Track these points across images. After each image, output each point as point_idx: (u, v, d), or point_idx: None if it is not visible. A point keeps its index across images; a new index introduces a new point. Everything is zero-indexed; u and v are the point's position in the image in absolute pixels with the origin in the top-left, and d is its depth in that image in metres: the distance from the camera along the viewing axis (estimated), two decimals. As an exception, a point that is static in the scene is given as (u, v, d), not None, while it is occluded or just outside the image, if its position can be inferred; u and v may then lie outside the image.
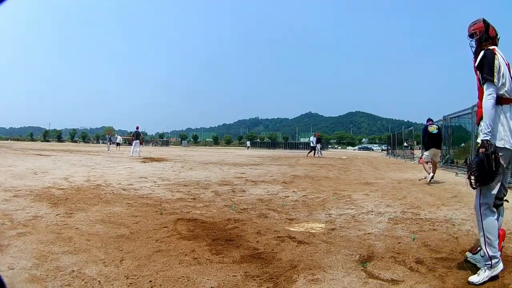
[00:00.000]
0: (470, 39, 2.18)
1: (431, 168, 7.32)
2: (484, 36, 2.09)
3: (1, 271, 1.86)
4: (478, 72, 2.05)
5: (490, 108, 1.93)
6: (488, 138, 1.92)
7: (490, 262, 1.90)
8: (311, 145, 21.95)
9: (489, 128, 1.92)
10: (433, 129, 7.46)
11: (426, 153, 7.57)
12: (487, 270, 1.90)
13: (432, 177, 7.10)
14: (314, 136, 22.11)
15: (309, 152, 21.74)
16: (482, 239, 1.96)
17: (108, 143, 26.19)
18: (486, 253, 1.92)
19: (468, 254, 2.26)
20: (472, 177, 1.92)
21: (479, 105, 2.06)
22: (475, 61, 2.11)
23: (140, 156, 15.43)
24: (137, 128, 16.58)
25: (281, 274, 1.99)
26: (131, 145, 18.20)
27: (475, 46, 2.16)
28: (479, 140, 1.98)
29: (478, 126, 2.06)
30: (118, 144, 27.90)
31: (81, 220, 3.15)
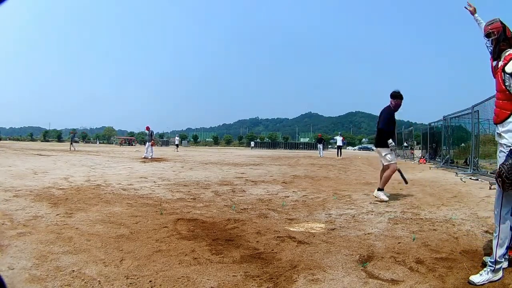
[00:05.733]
0: (487, 39, 2.19)
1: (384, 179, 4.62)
2: (502, 36, 2.10)
3: (1, 271, 1.86)
4: (503, 74, 2.04)
5: None
6: None
7: (494, 266, 1.88)
8: (338, 144, 20.97)
9: None
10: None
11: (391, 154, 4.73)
12: (490, 273, 1.88)
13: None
14: (339, 136, 21.56)
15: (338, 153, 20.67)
16: (495, 241, 1.93)
17: (71, 142, 25.57)
18: (495, 254, 1.90)
19: (486, 258, 2.17)
20: (500, 181, 1.85)
21: (499, 104, 2.05)
22: (492, 59, 2.14)
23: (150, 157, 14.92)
24: (147, 128, 15.97)
25: (281, 274, 1.99)
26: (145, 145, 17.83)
27: (491, 45, 2.16)
28: None
29: (496, 126, 2.05)
30: (177, 145, 28.31)
31: (81, 220, 3.15)
